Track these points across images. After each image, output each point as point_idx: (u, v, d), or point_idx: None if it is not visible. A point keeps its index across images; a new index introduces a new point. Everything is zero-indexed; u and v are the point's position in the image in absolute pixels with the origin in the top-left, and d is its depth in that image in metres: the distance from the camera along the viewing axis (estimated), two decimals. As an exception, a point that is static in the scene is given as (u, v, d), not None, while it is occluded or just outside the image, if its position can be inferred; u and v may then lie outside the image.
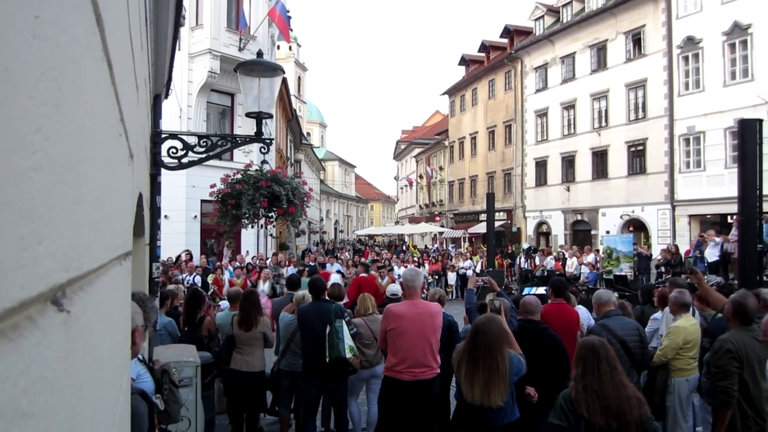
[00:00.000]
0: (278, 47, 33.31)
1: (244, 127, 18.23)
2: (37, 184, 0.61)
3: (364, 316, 5.98)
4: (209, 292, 11.00)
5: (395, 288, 6.64)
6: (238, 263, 14.35)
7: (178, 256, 13.15)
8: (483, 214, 24.67)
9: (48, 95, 0.65)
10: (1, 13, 0.52)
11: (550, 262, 19.84)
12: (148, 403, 2.76)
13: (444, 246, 34.51)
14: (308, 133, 59.05)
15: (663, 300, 6.12)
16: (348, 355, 5.28)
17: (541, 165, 29.90)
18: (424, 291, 6.26)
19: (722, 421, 4.19)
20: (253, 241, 19.66)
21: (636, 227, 24.13)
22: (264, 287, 13.07)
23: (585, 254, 19.15)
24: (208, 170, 10.65)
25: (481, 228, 30.20)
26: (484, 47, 37.23)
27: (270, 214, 7.25)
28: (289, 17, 19.47)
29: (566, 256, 20.09)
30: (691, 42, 21.47)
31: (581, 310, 6.57)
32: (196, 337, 6.23)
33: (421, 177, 49.70)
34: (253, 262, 15.28)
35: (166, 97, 6.06)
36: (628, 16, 24.37)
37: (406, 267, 13.93)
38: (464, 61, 40.39)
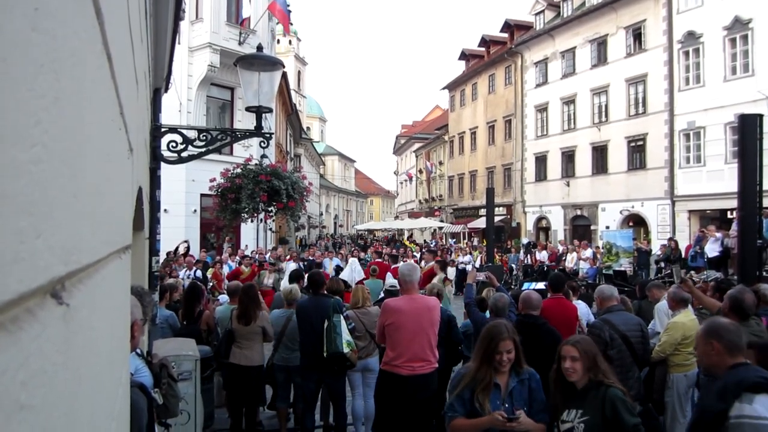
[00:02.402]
0: (278, 41, 33.25)
1: (243, 121, 18.22)
2: (35, 177, 0.61)
3: (355, 309, 5.98)
4: (209, 287, 11.00)
5: (393, 281, 6.64)
6: (249, 255, 14.52)
7: (176, 248, 13.12)
8: (483, 209, 24.69)
9: (47, 88, 0.65)
10: (0, 6, 0.51)
11: (543, 256, 19.86)
12: (147, 396, 2.76)
13: (443, 240, 34.49)
14: (308, 128, 59.00)
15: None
16: (345, 350, 5.28)
17: (541, 160, 29.89)
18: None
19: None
20: (252, 235, 19.63)
21: (636, 222, 24.13)
22: (268, 281, 13.06)
23: (582, 249, 19.14)
24: (207, 164, 10.66)
25: (480, 223, 30.22)
26: (485, 42, 37.13)
27: (269, 209, 7.27)
28: (289, 11, 19.40)
29: (563, 251, 20.06)
30: (691, 37, 21.43)
31: (580, 305, 6.58)
32: (195, 331, 6.24)
33: (420, 172, 49.65)
34: (252, 256, 15.27)
35: (166, 90, 6.05)
36: (628, 10, 24.31)
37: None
38: (464, 55, 40.32)
